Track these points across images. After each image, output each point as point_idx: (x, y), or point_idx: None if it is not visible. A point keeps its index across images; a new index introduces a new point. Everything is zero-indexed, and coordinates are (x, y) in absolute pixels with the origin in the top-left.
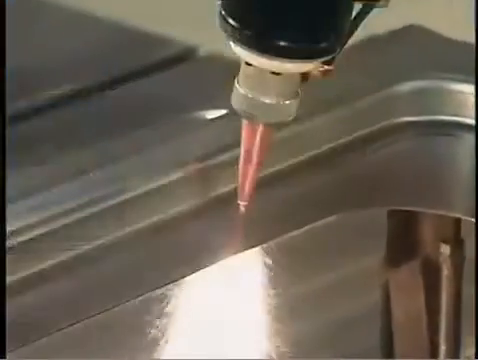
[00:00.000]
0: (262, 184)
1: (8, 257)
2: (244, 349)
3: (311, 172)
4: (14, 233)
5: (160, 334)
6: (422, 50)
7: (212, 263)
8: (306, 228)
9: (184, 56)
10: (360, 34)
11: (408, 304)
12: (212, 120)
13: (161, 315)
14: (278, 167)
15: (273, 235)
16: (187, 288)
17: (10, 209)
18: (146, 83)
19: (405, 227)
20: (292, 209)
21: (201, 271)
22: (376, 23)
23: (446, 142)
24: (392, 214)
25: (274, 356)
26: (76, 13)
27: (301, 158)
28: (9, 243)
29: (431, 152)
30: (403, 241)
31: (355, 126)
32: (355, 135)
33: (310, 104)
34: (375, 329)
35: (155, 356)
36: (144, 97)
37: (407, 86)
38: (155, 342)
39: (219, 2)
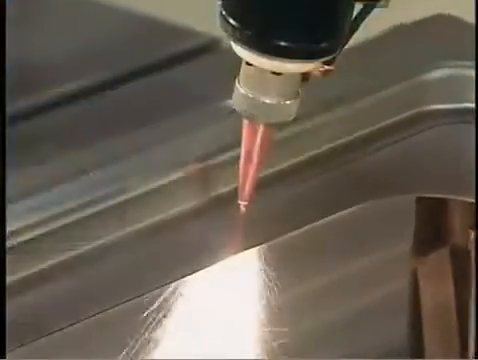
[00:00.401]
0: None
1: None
2: (244, 349)
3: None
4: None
5: (160, 334)
6: (450, 38)
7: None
8: (331, 218)
9: (208, 47)
10: (387, 23)
11: (437, 292)
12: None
13: (161, 315)
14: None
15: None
16: (187, 288)
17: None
18: (170, 74)
19: (433, 214)
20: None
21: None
22: (404, 12)
23: (473, 129)
24: (420, 201)
25: (275, 356)
26: (96, 2)
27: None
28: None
29: (459, 139)
30: (431, 228)
31: (380, 116)
32: (382, 124)
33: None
34: (404, 318)
35: (155, 356)
36: (167, 88)
37: (435, 74)
38: (155, 342)
39: (219, 2)
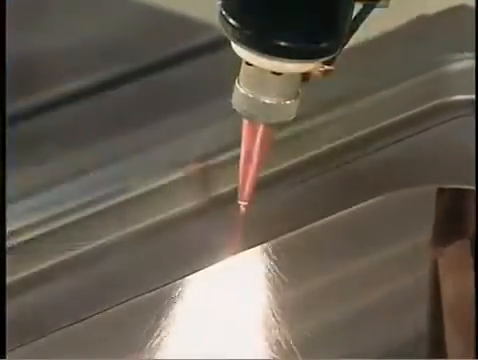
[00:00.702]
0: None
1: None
2: (244, 349)
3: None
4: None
5: (160, 334)
6: (472, 30)
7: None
8: (349, 210)
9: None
10: (411, 13)
11: (458, 282)
12: None
13: (161, 315)
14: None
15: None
16: (187, 288)
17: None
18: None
19: (454, 205)
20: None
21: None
22: (427, 3)
23: None
24: (441, 192)
25: (275, 356)
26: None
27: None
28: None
29: None
30: (452, 219)
31: (404, 106)
32: (406, 114)
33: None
34: (424, 309)
35: (155, 356)
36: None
37: (456, 66)
38: (155, 342)
39: (219, 2)
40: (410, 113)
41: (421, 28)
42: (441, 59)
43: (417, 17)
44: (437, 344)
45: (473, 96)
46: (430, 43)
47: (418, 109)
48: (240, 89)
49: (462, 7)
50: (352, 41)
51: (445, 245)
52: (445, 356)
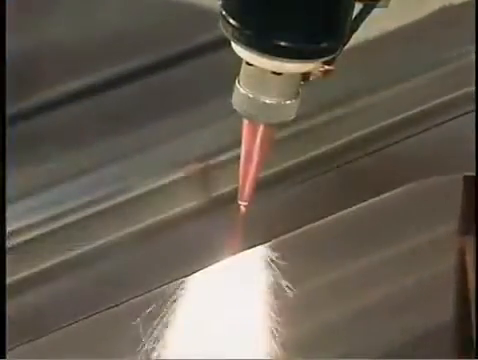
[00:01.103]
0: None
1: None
2: (244, 349)
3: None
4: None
5: (160, 334)
6: None
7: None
8: (373, 200)
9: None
10: (434, 5)
11: None
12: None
13: (161, 315)
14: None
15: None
16: (187, 288)
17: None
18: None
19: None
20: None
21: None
22: None
23: None
24: (467, 180)
25: (275, 356)
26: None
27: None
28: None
29: None
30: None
31: (428, 97)
32: (434, 103)
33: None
34: (451, 296)
35: (155, 356)
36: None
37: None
38: (155, 341)
39: (220, 2)
40: (435, 103)
41: (447, 18)
42: (464, 50)
43: (441, 8)
44: (465, 328)
45: None
46: (456, 33)
47: (448, 97)
48: (240, 89)
49: None
50: (352, 41)
51: (472, 232)
52: (473, 343)
